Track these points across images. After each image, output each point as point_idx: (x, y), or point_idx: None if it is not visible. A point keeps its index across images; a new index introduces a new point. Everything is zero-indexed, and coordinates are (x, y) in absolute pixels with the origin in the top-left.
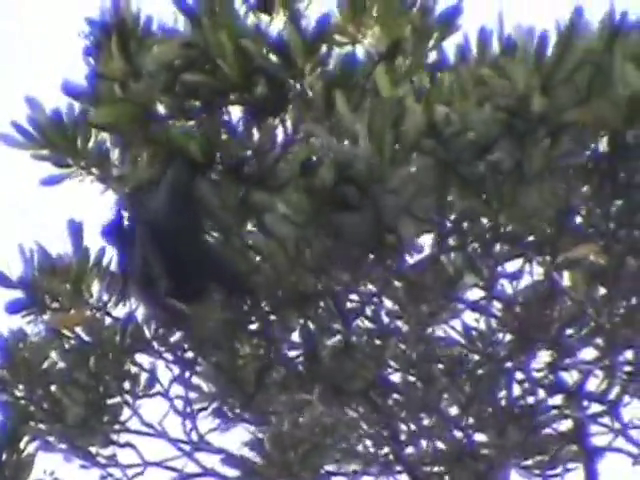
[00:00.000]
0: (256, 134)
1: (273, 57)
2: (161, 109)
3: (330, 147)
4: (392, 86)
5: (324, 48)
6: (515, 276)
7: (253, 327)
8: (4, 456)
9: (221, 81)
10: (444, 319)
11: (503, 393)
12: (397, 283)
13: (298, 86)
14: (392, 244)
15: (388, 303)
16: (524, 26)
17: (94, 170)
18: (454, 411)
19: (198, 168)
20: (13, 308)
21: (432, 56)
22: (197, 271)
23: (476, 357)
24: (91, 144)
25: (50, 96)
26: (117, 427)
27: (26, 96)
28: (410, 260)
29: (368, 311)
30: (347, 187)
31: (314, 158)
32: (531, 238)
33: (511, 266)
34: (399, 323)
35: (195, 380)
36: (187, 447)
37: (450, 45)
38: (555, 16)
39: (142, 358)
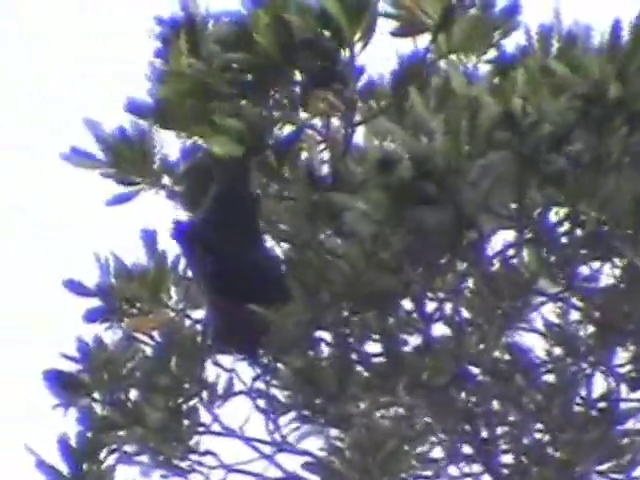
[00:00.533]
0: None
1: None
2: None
3: (405, 144)
4: (465, 80)
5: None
6: (594, 278)
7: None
8: (85, 466)
9: (262, 58)
10: (523, 315)
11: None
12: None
13: (347, 55)
14: (471, 241)
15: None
16: (582, 22)
17: (162, 185)
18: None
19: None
20: (92, 316)
21: (492, 52)
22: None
23: (557, 351)
24: (157, 161)
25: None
26: (197, 431)
27: (85, 118)
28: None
29: (447, 309)
30: (425, 182)
31: (389, 154)
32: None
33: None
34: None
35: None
36: (269, 449)
37: (510, 43)
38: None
39: (223, 360)
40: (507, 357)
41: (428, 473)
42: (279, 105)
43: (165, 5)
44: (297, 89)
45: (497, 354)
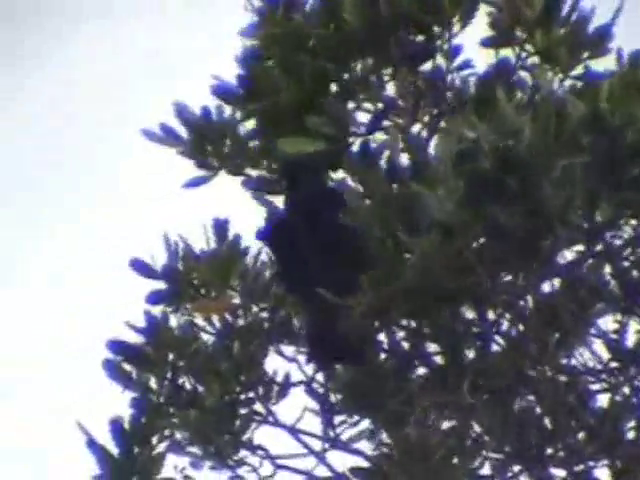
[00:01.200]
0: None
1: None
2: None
3: (488, 137)
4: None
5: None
6: None
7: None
8: (136, 450)
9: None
10: (582, 333)
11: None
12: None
13: (446, 35)
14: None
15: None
16: None
17: (241, 172)
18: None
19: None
20: (154, 298)
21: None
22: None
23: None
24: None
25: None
26: (251, 422)
27: (175, 101)
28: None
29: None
30: (508, 175)
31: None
32: None
33: None
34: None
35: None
36: (320, 446)
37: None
38: None
39: (286, 350)
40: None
41: None
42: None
43: None
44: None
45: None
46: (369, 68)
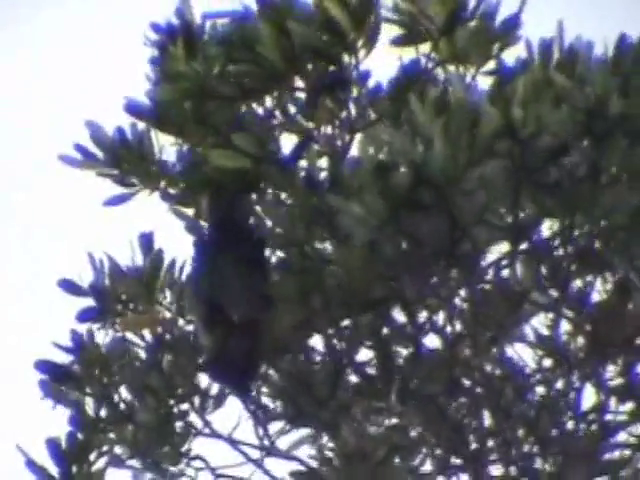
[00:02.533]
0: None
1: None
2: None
3: (403, 150)
4: (465, 89)
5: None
6: (586, 291)
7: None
8: (74, 468)
9: (265, 68)
10: (515, 327)
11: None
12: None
13: (353, 61)
14: (465, 252)
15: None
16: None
17: (160, 188)
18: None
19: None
20: (84, 316)
21: (491, 65)
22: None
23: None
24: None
25: (107, 118)
26: (188, 435)
27: (86, 120)
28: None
29: (440, 320)
30: (423, 189)
31: (386, 160)
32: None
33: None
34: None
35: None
36: (257, 454)
37: (509, 56)
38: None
39: None
40: (498, 370)
41: None
42: (282, 112)
43: (160, 11)
44: (300, 95)
45: (488, 366)
46: (285, 98)
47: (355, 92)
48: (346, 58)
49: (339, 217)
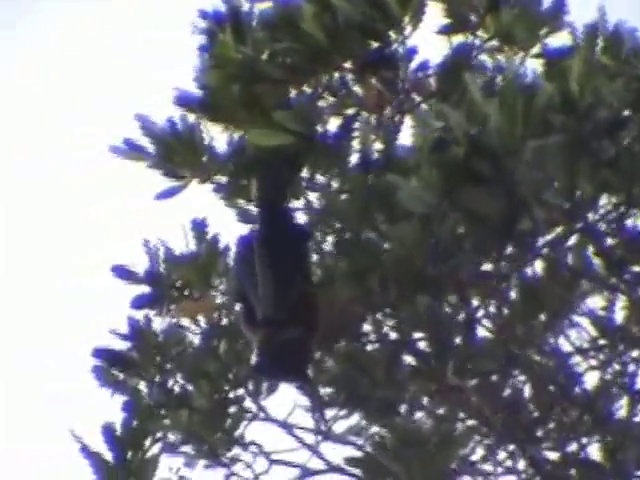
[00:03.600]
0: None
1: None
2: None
3: (459, 124)
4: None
5: None
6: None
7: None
8: (129, 454)
9: (309, 46)
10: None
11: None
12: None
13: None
14: (523, 229)
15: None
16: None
17: (210, 179)
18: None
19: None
20: (138, 303)
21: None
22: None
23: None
24: (206, 154)
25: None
26: (243, 420)
27: (137, 113)
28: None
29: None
30: (480, 161)
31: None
32: None
33: None
34: None
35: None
36: (313, 439)
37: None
38: None
39: None
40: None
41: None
42: (330, 92)
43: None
44: (346, 76)
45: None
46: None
47: (402, 71)
48: (392, 34)
49: (396, 195)
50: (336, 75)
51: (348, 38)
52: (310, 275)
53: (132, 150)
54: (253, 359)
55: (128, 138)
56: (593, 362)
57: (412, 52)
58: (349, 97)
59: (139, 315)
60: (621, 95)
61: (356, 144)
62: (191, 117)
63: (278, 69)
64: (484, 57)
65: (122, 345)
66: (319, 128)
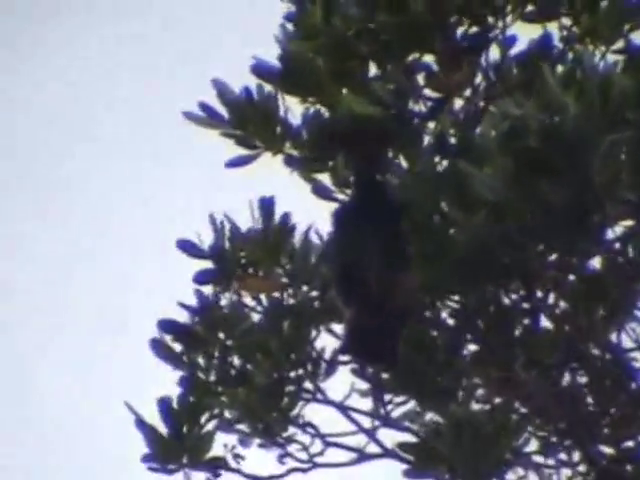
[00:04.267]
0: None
1: None
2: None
3: (536, 115)
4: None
5: None
6: None
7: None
8: (185, 429)
9: (414, 21)
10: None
11: None
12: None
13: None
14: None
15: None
16: None
17: (283, 151)
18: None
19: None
20: (202, 278)
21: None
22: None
23: None
24: (280, 126)
25: (237, 80)
26: (301, 399)
27: (213, 79)
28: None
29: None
30: (554, 151)
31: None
32: None
33: None
34: None
35: None
36: (370, 424)
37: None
38: None
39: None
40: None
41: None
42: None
43: None
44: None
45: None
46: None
47: (497, 57)
48: (492, 20)
49: (469, 181)
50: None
51: (449, 17)
52: (407, 253)
53: (207, 116)
54: (343, 337)
55: (204, 102)
56: None
57: (512, 40)
58: (438, 79)
59: (207, 290)
60: None
61: (435, 128)
62: (268, 87)
63: (369, 44)
64: (566, 48)
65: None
66: (409, 104)
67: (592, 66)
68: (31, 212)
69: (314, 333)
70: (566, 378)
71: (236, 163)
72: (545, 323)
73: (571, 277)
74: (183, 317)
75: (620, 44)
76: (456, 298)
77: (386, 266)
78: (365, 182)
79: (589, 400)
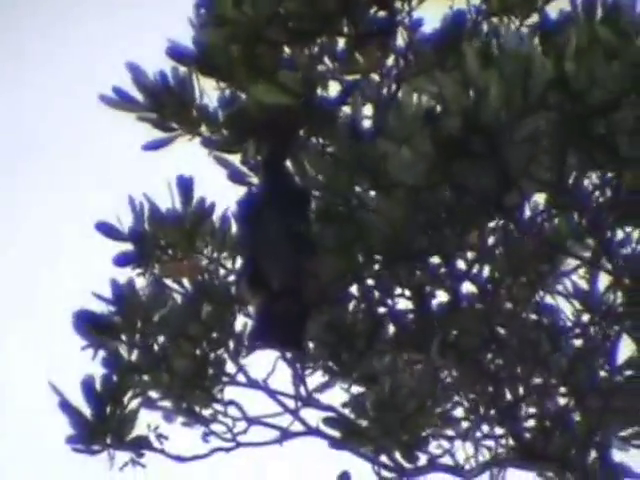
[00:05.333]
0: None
1: None
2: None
3: (456, 96)
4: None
5: None
6: (626, 244)
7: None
8: (108, 409)
9: (319, 9)
10: (552, 278)
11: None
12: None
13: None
14: (511, 203)
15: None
16: None
17: (200, 133)
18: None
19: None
20: (122, 260)
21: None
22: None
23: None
24: (195, 109)
25: (150, 62)
26: (222, 381)
27: (127, 61)
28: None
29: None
30: (474, 136)
31: (437, 107)
32: None
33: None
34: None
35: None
36: (293, 403)
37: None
38: None
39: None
40: (534, 319)
41: (449, 432)
42: (330, 57)
43: None
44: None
45: (525, 317)
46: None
47: (403, 40)
48: (398, 4)
49: (386, 163)
50: (338, 40)
51: (354, 3)
52: (312, 241)
53: (122, 99)
54: (250, 324)
55: (118, 87)
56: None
57: (418, 24)
58: (349, 63)
59: (122, 277)
60: (617, 77)
61: (349, 110)
62: (183, 70)
63: (278, 30)
64: (480, 22)
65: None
66: (317, 90)
67: (511, 42)
68: None
69: (232, 316)
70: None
71: (153, 146)
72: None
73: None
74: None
75: (535, 18)
76: (371, 282)
77: (292, 252)
78: (272, 170)
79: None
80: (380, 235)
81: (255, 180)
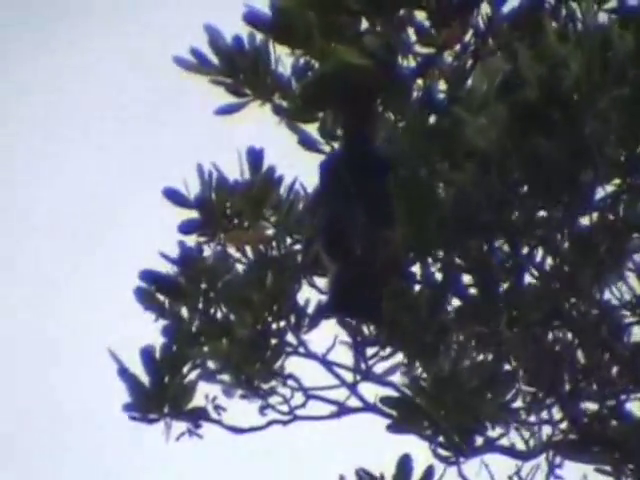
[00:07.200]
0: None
1: None
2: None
3: (534, 67)
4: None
5: None
6: None
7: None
8: (167, 379)
9: None
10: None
11: None
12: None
13: None
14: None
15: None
16: None
17: (273, 100)
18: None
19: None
20: (187, 227)
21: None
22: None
23: None
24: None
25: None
26: (283, 353)
27: (206, 24)
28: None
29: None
30: (552, 106)
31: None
32: None
33: None
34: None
35: None
36: (352, 378)
37: None
38: None
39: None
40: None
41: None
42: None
43: None
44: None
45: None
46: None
47: (482, 18)
48: None
49: (460, 130)
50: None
51: None
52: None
53: (197, 62)
54: (327, 292)
55: (195, 48)
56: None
57: (500, 1)
58: (428, 36)
59: (190, 241)
60: None
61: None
62: (260, 38)
63: (358, 1)
64: (559, 4)
65: (170, 270)
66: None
67: (594, 22)
68: None
69: (297, 286)
70: (550, 336)
71: (225, 111)
72: (531, 280)
73: (558, 235)
74: (168, 269)
75: (613, 3)
76: (441, 254)
77: (371, 222)
78: (354, 137)
79: (574, 358)
80: (450, 204)
81: (328, 147)
